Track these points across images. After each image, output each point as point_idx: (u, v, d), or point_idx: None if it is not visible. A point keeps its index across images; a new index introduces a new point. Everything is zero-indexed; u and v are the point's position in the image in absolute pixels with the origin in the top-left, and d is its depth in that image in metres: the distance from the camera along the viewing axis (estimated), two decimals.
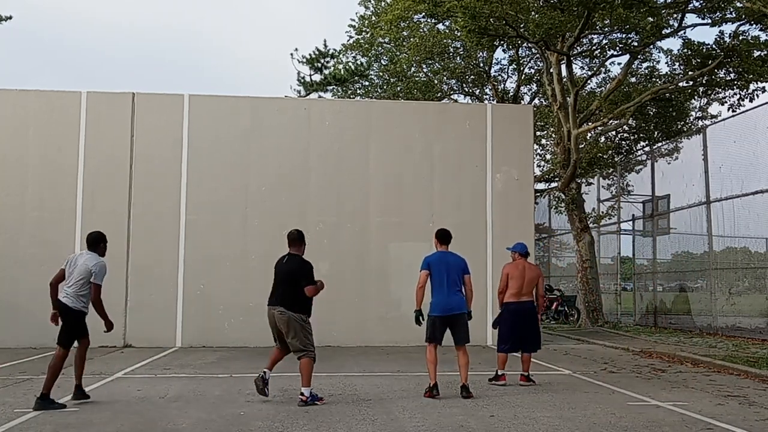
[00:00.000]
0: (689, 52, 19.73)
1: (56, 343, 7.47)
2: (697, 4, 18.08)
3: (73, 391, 7.65)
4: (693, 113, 23.68)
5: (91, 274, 7.41)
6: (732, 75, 19.53)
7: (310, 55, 28.61)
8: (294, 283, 7.56)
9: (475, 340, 14.22)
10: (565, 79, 20.33)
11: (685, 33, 19.46)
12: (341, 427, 6.46)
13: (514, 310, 9.06)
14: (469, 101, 27.18)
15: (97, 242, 7.70)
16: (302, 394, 7.44)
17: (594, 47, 21.89)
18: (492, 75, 26.30)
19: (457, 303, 8.03)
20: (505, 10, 16.50)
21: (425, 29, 23.98)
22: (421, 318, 8.04)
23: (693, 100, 22.90)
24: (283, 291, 7.61)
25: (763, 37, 18.17)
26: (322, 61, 28.63)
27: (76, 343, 7.71)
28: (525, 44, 22.14)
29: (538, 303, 9.28)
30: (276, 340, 7.79)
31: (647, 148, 22.76)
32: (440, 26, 23.56)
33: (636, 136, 24.39)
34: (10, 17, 20.94)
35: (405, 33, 24.54)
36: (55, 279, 7.65)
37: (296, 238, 7.85)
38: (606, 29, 19.71)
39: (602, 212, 22.21)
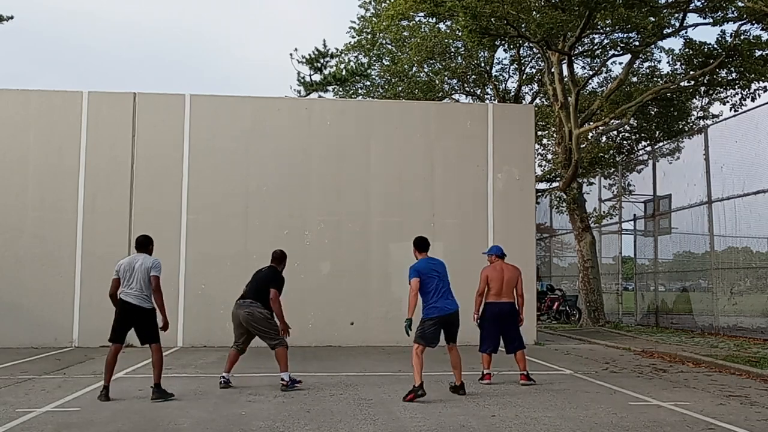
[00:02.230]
0: (690, 52, 19.71)
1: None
2: (698, 3, 18.08)
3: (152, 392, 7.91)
4: (694, 113, 23.69)
5: (151, 269, 7.93)
6: (733, 74, 19.51)
7: (309, 55, 28.62)
8: (264, 288, 8.55)
9: (476, 340, 14.25)
10: (566, 79, 20.31)
11: (686, 32, 19.50)
12: (342, 427, 6.45)
13: (494, 311, 9.20)
14: (471, 101, 27.17)
15: (146, 244, 8.22)
16: (282, 379, 8.40)
17: (595, 47, 21.89)
18: (493, 75, 26.31)
19: (451, 303, 8.23)
20: (507, 9, 16.49)
21: (426, 29, 23.98)
22: (409, 328, 8.17)
23: (694, 100, 22.89)
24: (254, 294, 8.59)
25: (764, 36, 18.17)
26: (322, 61, 28.62)
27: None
28: (526, 44, 22.14)
29: (519, 303, 9.33)
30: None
31: (648, 148, 22.75)
32: (441, 26, 23.58)
33: (637, 135, 24.39)
34: (12, 17, 20.95)
35: (406, 33, 24.55)
36: (112, 289, 8.02)
37: (281, 256, 8.96)
38: (607, 29, 19.71)
39: (603, 212, 22.19)
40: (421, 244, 8.60)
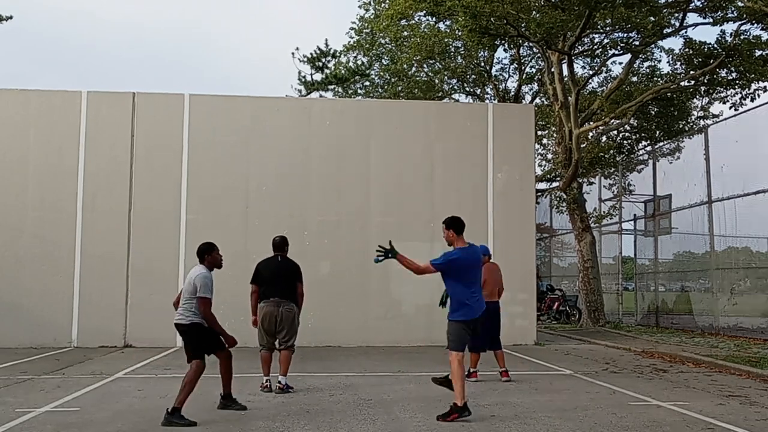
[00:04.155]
0: (690, 52, 19.72)
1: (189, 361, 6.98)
2: (698, 3, 18.07)
3: (220, 401, 7.33)
4: (694, 113, 23.68)
5: (196, 288, 6.90)
6: (733, 74, 19.51)
7: (311, 54, 28.65)
8: (293, 282, 8.47)
9: None
10: (566, 79, 20.29)
11: (686, 32, 19.50)
12: (342, 427, 6.44)
13: (487, 310, 9.08)
14: (470, 101, 27.15)
15: (202, 254, 7.17)
16: (279, 382, 8.26)
17: (595, 46, 21.87)
18: (493, 74, 26.29)
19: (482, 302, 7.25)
20: (506, 9, 16.47)
21: (426, 29, 23.97)
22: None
23: (694, 100, 22.89)
24: (285, 288, 8.40)
25: (764, 36, 18.17)
26: (323, 60, 28.64)
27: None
28: (526, 43, 22.12)
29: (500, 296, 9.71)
30: (266, 340, 8.51)
31: (649, 148, 22.74)
32: (441, 25, 23.56)
33: (637, 135, 24.37)
34: (11, 17, 20.95)
35: (405, 33, 24.53)
36: (176, 299, 7.26)
37: (283, 244, 8.74)
38: (607, 28, 19.69)
39: (604, 212, 22.19)
40: (460, 226, 7.44)
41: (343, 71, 27.46)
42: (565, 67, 20.12)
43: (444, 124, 14.80)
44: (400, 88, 26.79)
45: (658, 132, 23.48)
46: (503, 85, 26.87)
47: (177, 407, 6.50)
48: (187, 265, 13.72)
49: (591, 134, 22.96)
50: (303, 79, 28.85)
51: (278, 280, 8.43)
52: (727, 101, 20.78)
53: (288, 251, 8.79)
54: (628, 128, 23.95)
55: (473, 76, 26.55)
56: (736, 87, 20.09)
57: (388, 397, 8.02)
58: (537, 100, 26.21)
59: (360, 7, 26.13)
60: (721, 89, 20.54)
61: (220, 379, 7.32)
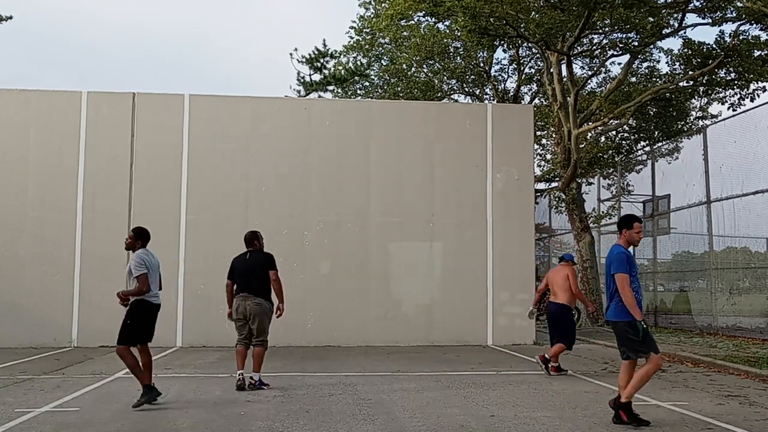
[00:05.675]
0: (689, 52, 19.73)
1: (148, 342, 7.73)
2: (697, 3, 18.08)
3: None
4: (693, 113, 23.70)
5: (131, 271, 7.46)
6: (732, 75, 19.52)
7: (309, 54, 28.65)
8: (263, 275, 8.45)
9: (476, 340, 14.27)
10: (565, 79, 20.32)
11: (685, 33, 19.49)
12: (342, 426, 6.46)
13: (547, 310, 10.52)
14: (470, 101, 27.18)
15: (145, 236, 7.68)
16: (251, 378, 8.37)
17: (594, 47, 21.89)
18: (492, 75, 26.30)
19: (610, 310, 6.86)
20: (506, 9, 16.50)
21: (425, 29, 24.00)
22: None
23: (693, 100, 22.90)
24: (253, 283, 8.43)
25: (763, 36, 18.19)
26: (322, 60, 28.64)
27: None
28: (525, 44, 22.15)
29: (580, 299, 10.46)
30: (239, 334, 8.56)
31: (647, 148, 22.76)
32: (440, 26, 23.58)
33: (636, 135, 24.39)
34: (11, 17, 20.96)
35: (405, 33, 24.56)
36: (147, 286, 7.58)
37: (253, 239, 8.73)
38: (606, 29, 19.72)
39: (603, 212, 22.21)
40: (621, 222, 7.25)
41: (342, 72, 27.46)
42: (564, 67, 20.14)
43: (443, 124, 14.82)
44: (399, 88, 26.79)
45: (656, 132, 23.49)
46: (502, 85, 26.89)
47: (148, 383, 7.40)
48: (187, 265, 13.78)
49: (590, 134, 22.98)
50: (302, 80, 28.86)
51: (246, 276, 8.49)
52: (726, 102, 20.82)
53: (262, 245, 8.77)
54: (627, 128, 23.97)
55: (472, 77, 26.56)
56: (735, 87, 20.12)
57: (388, 397, 8.04)
58: (536, 101, 26.24)
59: (360, 5, 26.17)
60: (720, 89, 20.56)
61: (145, 370, 7.61)
